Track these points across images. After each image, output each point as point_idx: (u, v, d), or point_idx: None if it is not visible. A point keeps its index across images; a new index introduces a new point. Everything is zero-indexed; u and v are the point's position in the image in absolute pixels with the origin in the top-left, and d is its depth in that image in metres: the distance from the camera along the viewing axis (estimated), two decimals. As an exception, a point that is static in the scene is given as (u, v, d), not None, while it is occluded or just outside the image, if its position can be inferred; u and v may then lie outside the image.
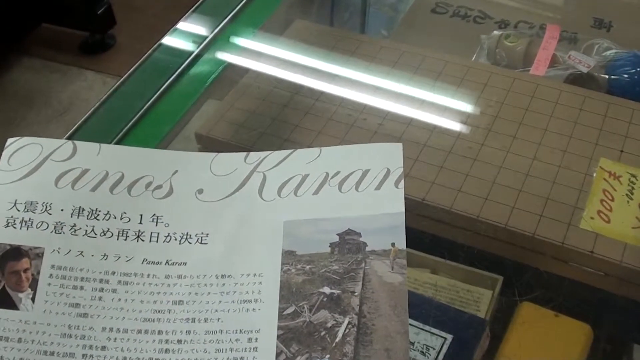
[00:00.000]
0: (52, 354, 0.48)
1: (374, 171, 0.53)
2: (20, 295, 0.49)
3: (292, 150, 0.55)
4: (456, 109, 0.75)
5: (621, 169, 0.68)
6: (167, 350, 0.48)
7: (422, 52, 0.81)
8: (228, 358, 0.48)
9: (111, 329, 0.49)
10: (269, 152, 0.55)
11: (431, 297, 0.62)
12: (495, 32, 0.84)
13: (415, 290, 0.63)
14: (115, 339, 0.49)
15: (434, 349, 0.55)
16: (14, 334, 0.48)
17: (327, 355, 0.47)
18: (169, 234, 0.52)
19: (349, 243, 0.51)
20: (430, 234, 0.67)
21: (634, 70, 0.77)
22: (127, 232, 0.52)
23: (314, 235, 0.52)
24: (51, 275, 0.50)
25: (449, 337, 0.56)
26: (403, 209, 0.51)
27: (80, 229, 0.52)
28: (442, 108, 0.75)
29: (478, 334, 0.56)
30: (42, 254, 0.51)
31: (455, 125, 0.73)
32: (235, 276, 0.51)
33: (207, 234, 0.52)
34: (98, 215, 0.52)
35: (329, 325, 0.48)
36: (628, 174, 0.68)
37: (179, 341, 0.49)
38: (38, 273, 0.50)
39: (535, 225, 0.64)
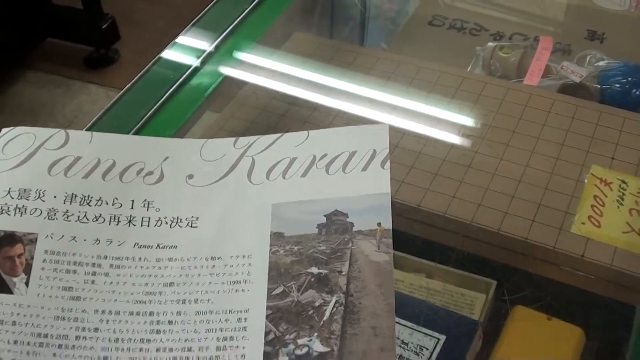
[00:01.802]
0: (45, 336, 0.49)
1: (361, 152, 0.54)
2: (15, 279, 0.51)
3: (280, 134, 0.56)
4: (451, 118, 0.77)
5: (612, 176, 0.70)
6: (158, 331, 0.50)
7: (418, 63, 0.83)
8: (218, 338, 0.49)
9: (103, 312, 0.50)
10: (257, 137, 0.56)
11: (425, 300, 0.63)
12: (490, 44, 0.86)
13: (411, 294, 0.65)
14: (108, 320, 0.50)
15: (427, 349, 0.57)
16: (8, 317, 0.49)
17: (315, 334, 0.48)
18: (159, 218, 0.54)
19: (336, 224, 0.52)
20: (425, 239, 0.69)
21: (625, 80, 0.79)
22: (118, 218, 0.53)
23: (301, 216, 0.53)
24: (44, 260, 0.51)
25: (442, 337, 0.57)
26: (389, 190, 0.52)
27: (72, 215, 0.53)
28: (437, 117, 0.77)
29: (471, 335, 0.58)
30: (36, 239, 0.52)
31: (450, 134, 0.75)
32: (225, 258, 0.52)
33: (197, 218, 0.54)
34: (90, 201, 0.54)
35: (317, 304, 0.49)
36: (619, 180, 0.69)
37: (170, 322, 0.50)
38: (32, 258, 0.51)
39: (527, 230, 0.66)
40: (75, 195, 0.54)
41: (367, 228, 0.52)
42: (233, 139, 0.56)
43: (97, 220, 0.53)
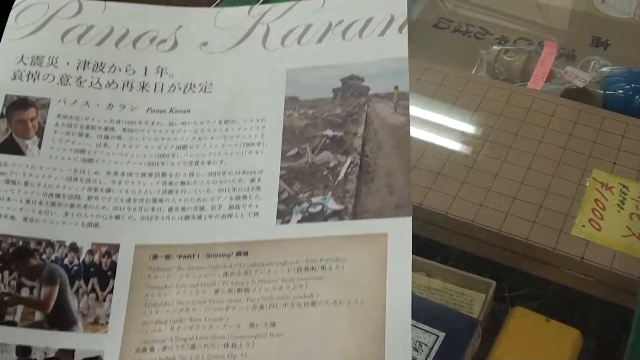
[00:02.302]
0: (57, 196, 0.50)
1: (378, 18, 0.53)
2: (27, 142, 0.51)
3: (295, 2, 0.55)
4: (454, 120, 0.78)
5: (613, 180, 0.70)
6: (170, 191, 0.50)
7: (423, 64, 0.84)
8: (231, 197, 0.50)
9: (116, 173, 0.51)
10: (272, 5, 0.56)
11: (425, 297, 0.64)
12: (495, 47, 0.87)
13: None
14: (120, 182, 0.51)
15: (426, 345, 0.57)
16: (20, 177, 0.50)
17: (329, 192, 0.49)
18: (173, 84, 0.54)
19: (352, 87, 0.52)
20: (426, 238, 0.69)
21: (628, 86, 0.79)
22: (131, 83, 0.54)
23: (316, 81, 0.53)
24: (57, 123, 0.52)
25: (442, 334, 0.58)
26: (407, 54, 0.51)
27: (85, 80, 0.53)
28: (441, 118, 0.78)
29: (470, 333, 0.58)
30: (49, 104, 0.53)
31: (453, 135, 0.75)
32: (239, 121, 0.52)
33: (211, 84, 0.54)
34: (103, 67, 0.54)
35: (332, 165, 0.50)
36: (620, 185, 0.70)
37: (182, 182, 0.51)
38: (44, 122, 0.52)
39: (528, 231, 0.66)
40: (88, 62, 0.54)
41: (384, 91, 0.51)
42: (247, 7, 0.56)
43: (110, 86, 0.54)
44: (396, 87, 0.51)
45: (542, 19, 0.98)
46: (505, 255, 0.67)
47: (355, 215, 0.48)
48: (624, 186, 0.70)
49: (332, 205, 0.48)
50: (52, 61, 0.54)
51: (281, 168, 0.50)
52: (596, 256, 0.64)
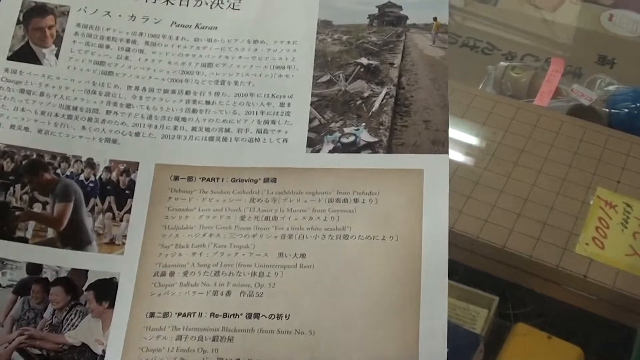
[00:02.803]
0: (74, 108, 0.49)
1: None
2: (44, 50, 0.50)
3: None
4: (461, 135, 0.78)
5: (617, 199, 0.71)
6: (194, 110, 0.49)
7: (431, 78, 0.84)
8: (259, 120, 0.48)
9: (137, 88, 0.49)
10: None
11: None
12: (502, 63, 0.88)
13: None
14: (141, 97, 0.49)
15: (429, 360, 0.58)
16: (36, 87, 0.49)
17: (363, 124, 0.47)
18: None
19: (388, 15, 0.50)
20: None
21: (633, 105, 0.80)
22: None
23: (352, 6, 0.51)
24: (76, 33, 0.51)
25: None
26: None
27: None
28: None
29: (472, 348, 0.59)
30: (68, 12, 0.51)
31: (459, 150, 0.76)
32: (269, 42, 0.51)
33: (240, 1, 0.52)
34: None
35: (366, 95, 0.48)
36: (624, 203, 0.70)
37: (208, 102, 0.49)
38: (63, 31, 0.51)
39: (532, 248, 0.67)
40: None
41: (422, 22, 0.50)
42: None
43: None
44: (435, 19, 0.50)
45: (550, 35, 0.99)
46: (509, 272, 0.67)
47: (390, 149, 0.46)
48: (628, 205, 0.70)
49: (366, 137, 0.47)
50: None
51: (312, 94, 0.49)
52: (599, 274, 0.65)
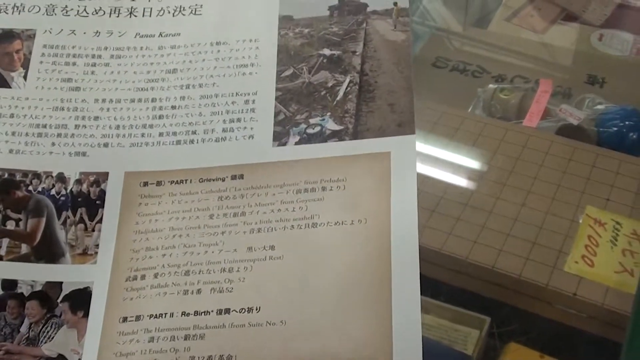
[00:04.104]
0: (44, 126, 0.50)
1: None
2: (13, 74, 0.52)
3: None
4: (450, 157, 0.80)
5: (606, 217, 0.72)
6: (160, 117, 0.50)
7: (420, 103, 0.86)
8: (224, 120, 0.49)
9: (104, 100, 0.51)
10: None
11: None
12: (491, 86, 0.89)
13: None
14: (109, 109, 0.50)
15: (418, 381, 0.58)
16: (6, 110, 0.50)
17: (328, 113, 0.48)
18: (161, 8, 0.54)
19: (348, 5, 0.52)
20: (421, 274, 0.70)
21: (622, 124, 0.81)
22: (119, 10, 0.54)
23: None
24: (43, 54, 0.52)
25: (434, 370, 0.59)
26: None
27: (72, 9, 0.54)
28: (437, 156, 0.80)
29: (462, 369, 0.59)
30: (34, 35, 0.53)
31: (448, 172, 0.77)
32: (231, 42, 0.52)
33: (201, 5, 0.54)
34: None
35: (330, 85, 0.49)
36: (613, 221, 0.71)
37: (173, 107, 0.50)
38: (30, 53, 0.52)
39: (521, 267, 0.67)
40: None
41: (383, 8, 0.51)
42: None
43: (96, 13, 0.54)
44: (395, 4, 0.51)
45: (540, 57, 1.00)
46: (499, 292, 0.68)
47: (356, 135, 0.47)
48: (617, 222, 0.71)
49: (332, 125, 0.48)
50: None
51: (277, 89, 0.50)
52: (589, 292, 0.66)
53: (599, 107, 0.85)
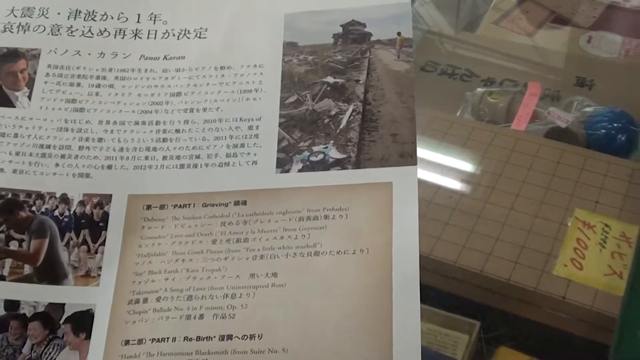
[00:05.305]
0: (48, 147, 0.50)
1: None
2: (17, 93, 0.52)
3: None
4: (438, 161, 0.80)
5: (595, 219, 0.72)
6: (164, 140, 0.51)
7: (408, 107, 0.86)
8: (228, 145, 0.50)
9: (108, 122, 0.51)
10: None
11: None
12: (479, 89, 0.90)
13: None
14: (112, 130, 0.51)
15: (407, 386, 0.59)
16: (10, 129, 0.51)
17: (331, 141, 0.49)
18: (167, 30, 0.54)
19: (353, 33, 0.52)
20: (410, 280, 0.71)
21: (610, 126, 0.82)
22: (124, 31, 0.54)
23: (316, 26, 0.53)
24: (47, 74, 0.53)
25: (423, 376, 0.59)
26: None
27: (77, 30, 0.54)
28: (425, 160, 0.80)
29: (451, 374, 0.60)
30: (39, 55, 0.53)
31: (436, 176, 0.78)
32: (235, 67, 0.53)
33: (206, 29, 0.54)
34: (95, 16, 0.55)
35: (333, 113, 0.50)
36: (602, 223, 0.72)
37: (177, 130, 0.51)
38: (35, 73, 0.53)
39: (510, 271, 0.68)
40: (80, 11, 0.55)
41: (386, 37, 0.52)
42: None
43: (102, 34, 0.54)
44: (399, 33, 0.52)
45: (528, 60, 1.01)
46: (488, 296, 0.69)
47: (358, 164, 0.48)
48: (606, 225, 0.72)
49: (334, 154, 0.49)
50: (43, 12, 0.55)
51: (280, 115, 0.51)
52: (578, 295, 0.66)
53: (588, 109, 0.86)
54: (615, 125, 0.82)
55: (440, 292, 0.70)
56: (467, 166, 0.80)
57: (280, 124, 0.50)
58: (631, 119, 0.83)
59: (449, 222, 0.73)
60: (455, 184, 0.77)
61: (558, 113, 0.84)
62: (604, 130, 0.82)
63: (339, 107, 0.50)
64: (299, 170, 0.49)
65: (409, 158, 0.48)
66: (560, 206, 0.74)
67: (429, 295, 0.70)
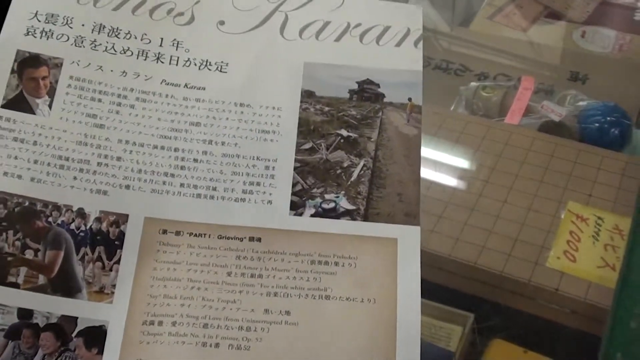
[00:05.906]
0: (66, 159, 0.51)
1: (395, 28, 0.56)
2: (38, 100, 0.52)
3: None
4: (432, 155, 0.80)
5: (588, 212, 0.73)
6: (182, 167, 0.52)
7: (402, 101, 0.87)
8: (244, 182, 0.51)
9: (127, 142, 0.52)
10: None
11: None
12: (473, 84, 0.91)
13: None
14: (131, 151, 0.52)
15: (401, 378, 0.59)
16: (29, 136, 0.51)
17: (342, 192, 0.51)
18: (188, 59, 0.55)
19: (367, 92, 0.55)
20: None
21: (603, 119, 0.83)
22: (147, 53, 0.55)
23: (333, 79, 0.55)
24: (69, 85, 0.53)
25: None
26: (421, 68, 0.55)
27: (100, 44, 0.54)
28: (419, 154, 0.81)
29: (444, 365, 0.60)
30: (62, 64, 0.53)
31: (430, 170, 0.78)
32: (254, 106, 0.54)
33: (227, 64, 0.55)
34: (119, 33, 0.55)
35: (345, 165, 0.52)
36: (595, 216, 0.72)
37: (196, 160, 0.52)
38: (56, 82, 0.53)
39: (503, 263, 0.68)
40: (104, 26, 0.55)
41: (398, 101, 0.55)
42: None
43: (124, 52, 0.55)
44: (410, 99, 0.55)
45: (522, 54, 1.02)
46: (482, 288, 0.69)
47: (366, 217, 0.51)
48: (599, 217, 0.72)
49: (345, 204, 0.51)
50: (67, 21, 0.55)
51: (295, 160, 0.52)
52: (571, 287, 0.67)
53: (581, 103, 0.86)
54: (609, 119, 0.83)
55: (434, 285, 0.70)
56: (461, 160, 0.80)
57: (295, 168, 0.52)
58: (624, 113, 0.84)
59: (443, 215, 0.73)
60: (449, 178, 0.78)
61: (551, 107, 0.85)
62: (597, 124, 0.83)
63: (351, 160, 0.52)
64: (312, 215, 0.50)
65: (413, 218, 0.51)
66: (553, 199, 0.75)
67: (422, 287, 0.70)
